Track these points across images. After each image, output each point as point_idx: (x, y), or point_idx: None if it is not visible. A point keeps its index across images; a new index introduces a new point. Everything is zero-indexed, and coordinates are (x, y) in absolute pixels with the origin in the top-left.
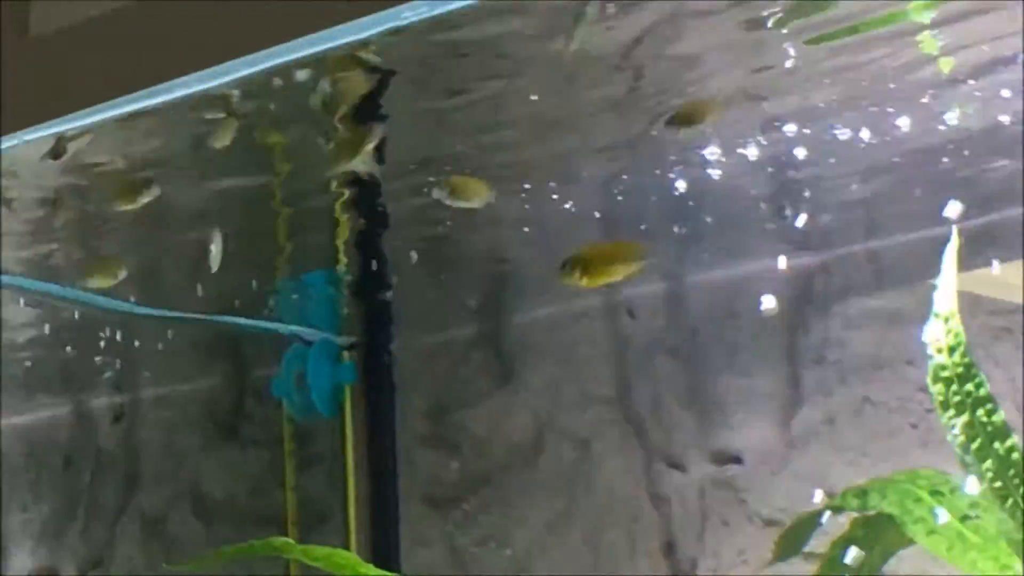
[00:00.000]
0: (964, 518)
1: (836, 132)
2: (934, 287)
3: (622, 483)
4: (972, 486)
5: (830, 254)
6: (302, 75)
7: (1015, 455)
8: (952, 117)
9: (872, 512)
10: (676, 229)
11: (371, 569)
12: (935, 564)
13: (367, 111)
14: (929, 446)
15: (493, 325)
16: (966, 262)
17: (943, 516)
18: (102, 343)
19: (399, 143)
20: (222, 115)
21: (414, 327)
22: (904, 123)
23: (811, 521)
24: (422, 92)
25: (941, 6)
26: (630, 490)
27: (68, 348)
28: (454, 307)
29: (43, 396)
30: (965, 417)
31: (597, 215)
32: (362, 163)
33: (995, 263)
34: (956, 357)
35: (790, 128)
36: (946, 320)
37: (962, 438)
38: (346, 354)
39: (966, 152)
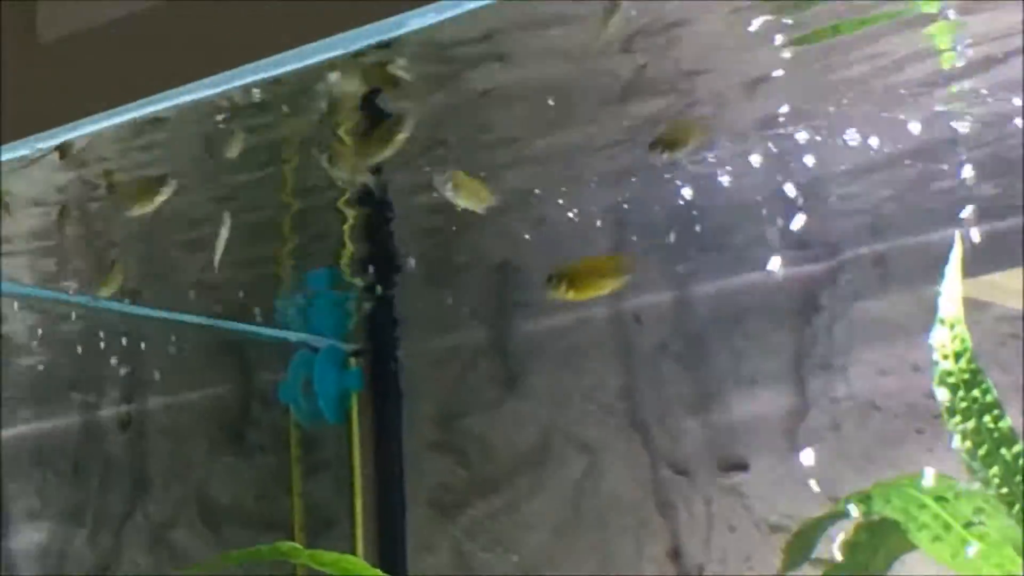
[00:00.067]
0: (968, 524)
1: (840, 135)
2: (938, 293)
3: (629, 489)
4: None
5: (836, 260)
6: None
7: (1021, 461)
8: (958, 123)
9: (876, 517)
10: (681, 235)
11: (378, 574)
12: (939, 566)
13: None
14: (935, 452)
15: (500, 332)
16: (971, 268)
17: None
18: (109, 350)
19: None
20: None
21: (421, 333)
22: (910, 125)
23: (816, 528)
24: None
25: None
26: (637, 496)
27: (75, 356)
28: (461, 313)
29: (51, 403)
30: (971, 423)
31: (607, 222)
32: (360, 174)
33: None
34: (962, 363)
35: (794, 131)
36: (951, 326)
37: (968, 444)
38: (353, 360)
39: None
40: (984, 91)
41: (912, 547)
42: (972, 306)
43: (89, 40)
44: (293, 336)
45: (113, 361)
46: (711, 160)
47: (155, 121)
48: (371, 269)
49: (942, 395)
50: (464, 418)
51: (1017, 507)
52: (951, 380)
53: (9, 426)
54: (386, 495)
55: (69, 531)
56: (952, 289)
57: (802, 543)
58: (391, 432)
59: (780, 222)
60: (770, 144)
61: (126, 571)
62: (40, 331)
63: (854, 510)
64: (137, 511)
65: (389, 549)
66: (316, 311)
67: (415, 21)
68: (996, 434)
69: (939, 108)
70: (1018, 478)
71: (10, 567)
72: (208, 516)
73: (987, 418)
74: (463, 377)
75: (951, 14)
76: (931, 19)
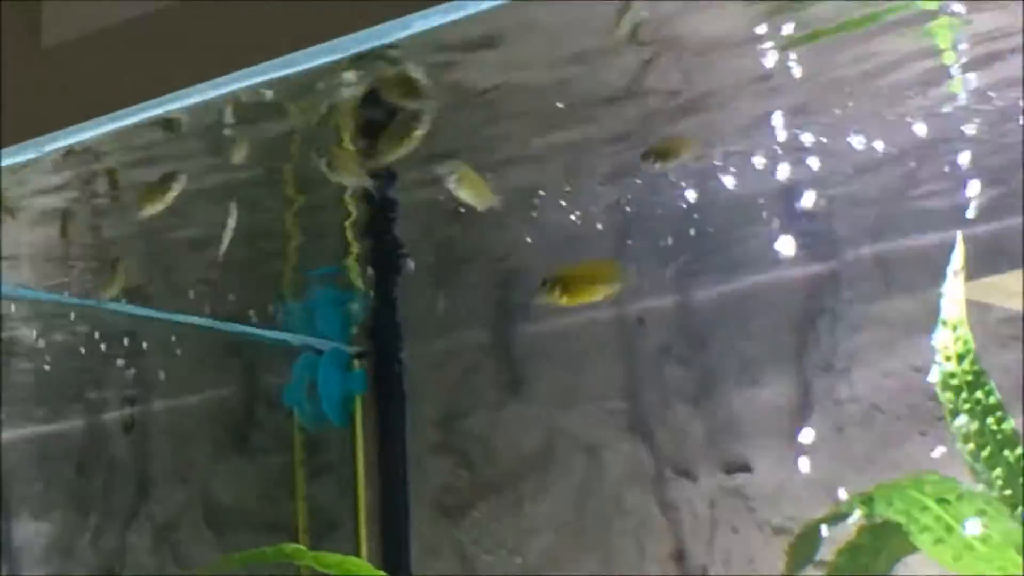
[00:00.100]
0: None
1: (842, 135)
2: (940, 295)
3: (632, 491)
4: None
5: (838, 262)
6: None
7: None
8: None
9: (879, 519)
10: (684, 237)
11: None
12: (940, 568)
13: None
14: (938, 454)
15: (503, 334)
16: (975, 270)
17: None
18: (113, 352)
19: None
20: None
21: (424, 336)
22: (913, 126)
23: (819, 529)
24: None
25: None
26: (640, 498)
27: (79, 358)
28: (464, 316)
29: (56, 405)
30: (974, 425)
31: (610, 223)
32: (356, 178)
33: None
34: (965, 365)
35: (797, 132)
36: (954, 328)
37: (971, 446)
38: (357, 363)
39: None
40: (988, 91)
41: (914, 549)
42: (975, 308)
43: (92, 44)
44: (297, 339)
45: (117, 363)
46: (715, 162)
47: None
48: (374, 272)
49: (945, 397)
50: (467, 420)
51: (1020, 509)
52: (954, 382)
53: (14, 428)
54: (390, 497)
55: (73, 533)
56: (954, 291)
57: (806, 545)
58: (395, 434)
59: (782, 224)
60: (773, 145)
61: (130, 573)
62: (44, 333)
63: (856, 511)
64: (141, 513)
65: (393, 551)
66: (320, 314)
67: (419, 23)
68: (999, 436)
69: (941, 108)
70: (1021, 480)
71: (14, 569)
72: (212, 518)
73: (990, 420)
74: (466, 379)
75: (953, 7)
76: (932, 16)
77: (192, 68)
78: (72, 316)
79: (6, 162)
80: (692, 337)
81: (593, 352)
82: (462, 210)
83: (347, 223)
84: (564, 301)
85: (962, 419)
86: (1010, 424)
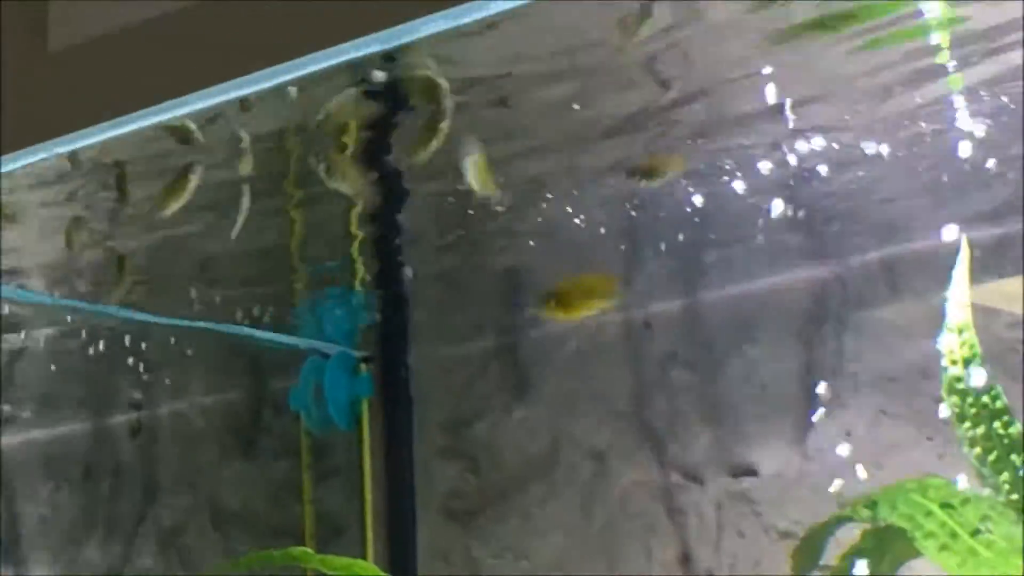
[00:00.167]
0: (976, 532)
1: (849, 139)
2: (944, 299)
3: (638, 495)
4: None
5: (844, 266)
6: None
7: None
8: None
9: (883, 523)
10: (691, 241)
11: None
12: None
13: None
14: (945, 458)
15: (510, 338)
16: (981, 274)
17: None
18: (120, 355)
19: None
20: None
21: (431, 340)
22: (919, 130)
23: (823, 533)
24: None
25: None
26: (646, 502)
27: (86, 361)
28: (471, 320)
29: (62, 408)
30: (981, 429)
31: (615, 229)
32: (353, 186)
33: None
34: (972, 369)
35: (803, 136)
36: (960, 332)
37: (978, 450)
38: (363, 367)
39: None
40: (994, 93)
41: (918, 553)
42: (982, 312)
43: (99, 48)
44: (304, 342)
45: (123, 367)
46: (721, 166)
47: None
48: (381, 275)
49: (952, 401)
50: (474, 424)
51: None
52: (961, 386)
53: (20, 432)
54: (396, 501)
55: (80, 537)
56: (960, 295)
57: (810, 549)
58: (401, 438)
59: (788, 228)
60: (778, 150)
61: None
62: (50, 336)
63: (860, 515)
64: (148, 517)
65: (399, 555)
66: (327, 317)
67: (425, 27)
68: (1006, 440)
69: (948, 111)
70: None
71: (20, 570)
72: (219, 522)
73: (997, 424)
74: (473, 383)
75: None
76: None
77: (201, 72)
78: (72, 318)
79: (7, 167)
80: (699, 342)
81: (600, 357)
82: (471, 212)
83: (352, 227)
84: (562, 315)
85: (968, 423)
86: (1017, 428)
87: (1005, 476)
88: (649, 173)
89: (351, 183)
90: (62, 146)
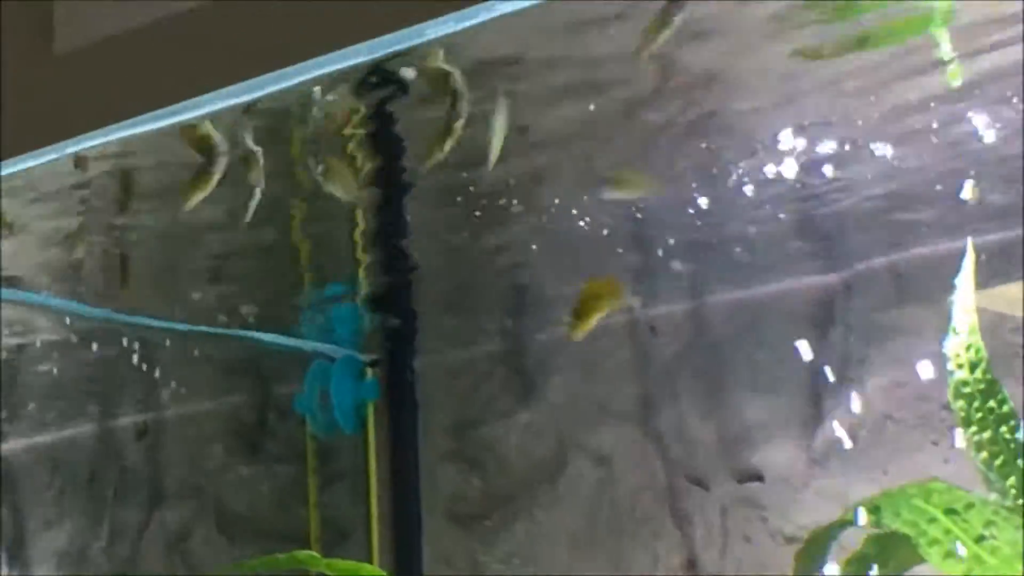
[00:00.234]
0: (980, 539)
1: (856, 145)
2: (951, 303)
3: (644, 500)
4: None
5: (851, 271)
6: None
7: None
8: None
9: (886, 528)
10: (695, 245)
11: None
12: None
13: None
14: (951, 463)
15: (515, 342)
16: (987, 279)
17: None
18: (125, 359)
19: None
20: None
21: (437, 344)
22: (924, 135)
23: (826, 536)
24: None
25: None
26: (652, 507)
27: (91, 364)
28: (476, 324)
29: (67, 411)
30: (987, 434)
31: (621, 231)
32: (349, 192)
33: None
34: (978, 373)
35: (811, 141)
36: (966, 336)
37: (985, 455)
38: (369, 371)
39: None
40: (1004, 97)
41: (922, 559)
42: (988, 317)
43: (105, 50)
44: (309, 346)
45: (129, 370)
46: (729, 169)
47: None
48: (386, 279)
49: (958, 405)
50: (480, 428)
51: None
52: (967, 390)
53: (25, 436)
54: (402, 505)
55: (86, 540)
56: (965, 299)
57: (814, 552)
58: (407, 442)
59: (795, 233)
60: (787, 155)
61: None
62: (55, 339)
63: (863, 518)
64: (153, 521)
65: (405, 560)
66: (332, 321)
67: (432, 31)
68: (1013, 445)
69: (953, 116)
70: None
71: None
72: (224, 526)
73: (1003, 429)
74: (479, 387)
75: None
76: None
77: (210, 74)
78: (74, 321)
79: (7, 171)
80: (705, 346)
81: (606, 360)
82: (477, 214)
83: (356, 233)
84: (581, 329)
85: (975, 428)
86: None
87: (1012, 481)
88: (619, 186)
89: (346, 187)
90: (68, 148)
